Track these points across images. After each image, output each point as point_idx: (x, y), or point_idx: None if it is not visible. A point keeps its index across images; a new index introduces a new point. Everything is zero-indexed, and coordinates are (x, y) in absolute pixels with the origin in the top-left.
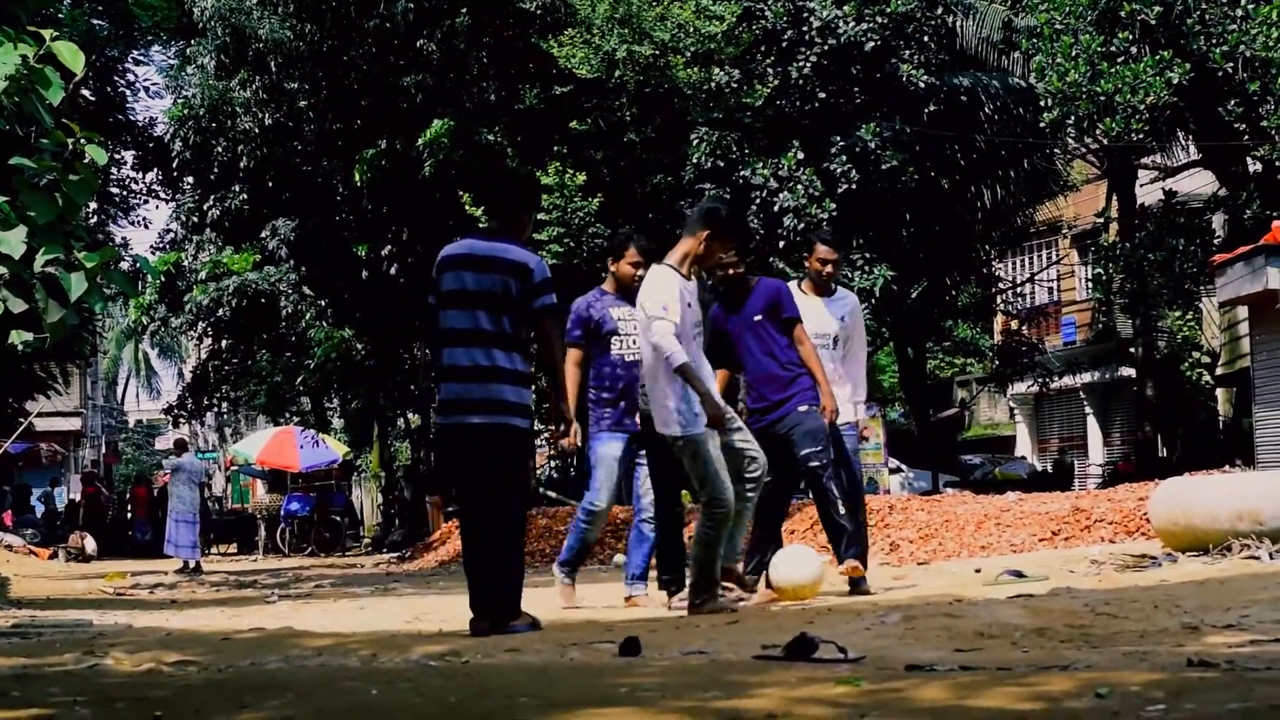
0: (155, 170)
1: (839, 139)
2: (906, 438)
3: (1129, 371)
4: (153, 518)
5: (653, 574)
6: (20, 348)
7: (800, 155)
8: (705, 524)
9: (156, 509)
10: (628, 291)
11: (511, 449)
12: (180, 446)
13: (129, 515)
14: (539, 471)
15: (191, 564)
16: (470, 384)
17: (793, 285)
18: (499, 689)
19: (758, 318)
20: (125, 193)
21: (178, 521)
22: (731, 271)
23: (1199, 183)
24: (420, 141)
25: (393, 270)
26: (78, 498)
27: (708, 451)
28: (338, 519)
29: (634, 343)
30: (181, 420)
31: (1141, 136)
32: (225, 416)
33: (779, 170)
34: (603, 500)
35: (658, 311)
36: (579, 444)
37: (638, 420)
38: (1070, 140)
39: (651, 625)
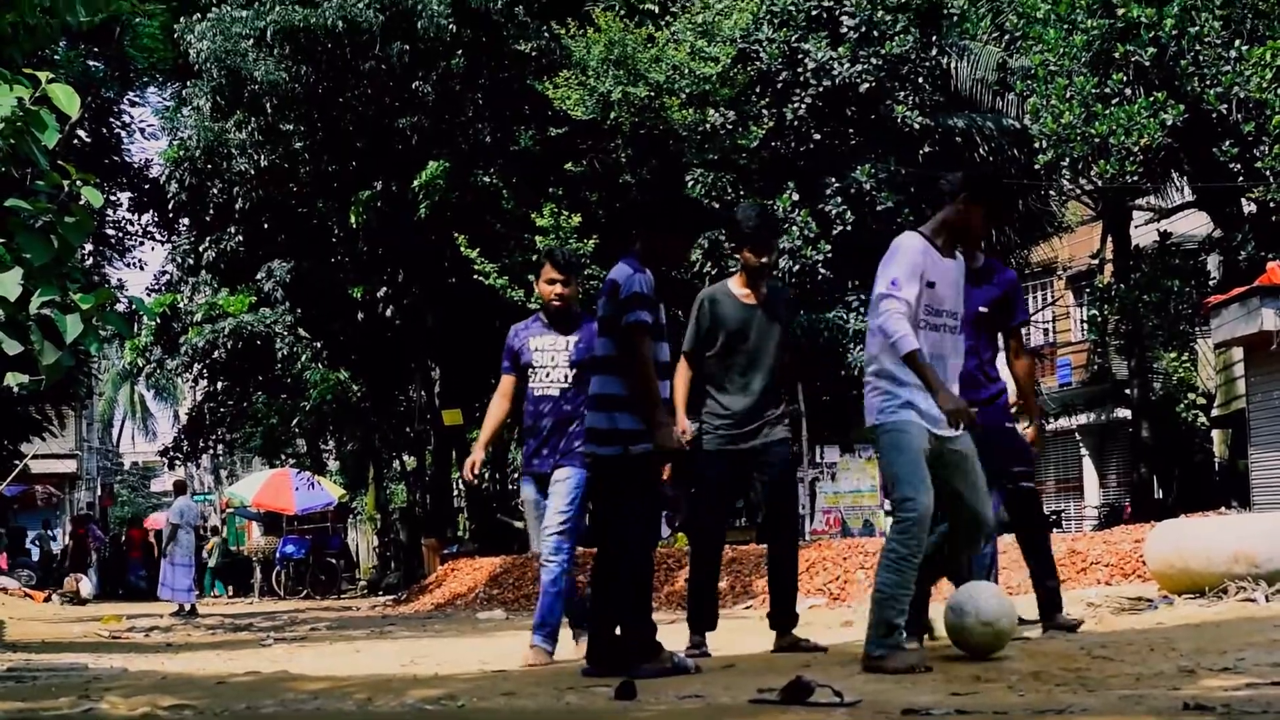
0: (151, 212)
1: (834, 180)
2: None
3: (1124, 413)
4: (148, 560)
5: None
6: (16, 390)
7: (795, 197)
8: (890, 539)
9: (152, 551)
10: (552, 314)
11: (604, 480)
12: (180, 488)
13: (122, 555)
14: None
15: (187, 607)
16: (589, 412)
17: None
18: None
19: (983, 309)
20: (121, 234)
21: (174, 565)
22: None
23: (1194, 224)
24: (416, 183)
25: (388, 312)
26: (72, 540)
27: (909, 444)
28: (333, 561)
29: (548, 376)
30: (177, 462)
31: (1136, 178)
32: (221, 459)
33: (774, 212)
34: (535, 546)
35: (884, 287)
36: (472, 477)
37: (558, 459)
38: (1065, 182)
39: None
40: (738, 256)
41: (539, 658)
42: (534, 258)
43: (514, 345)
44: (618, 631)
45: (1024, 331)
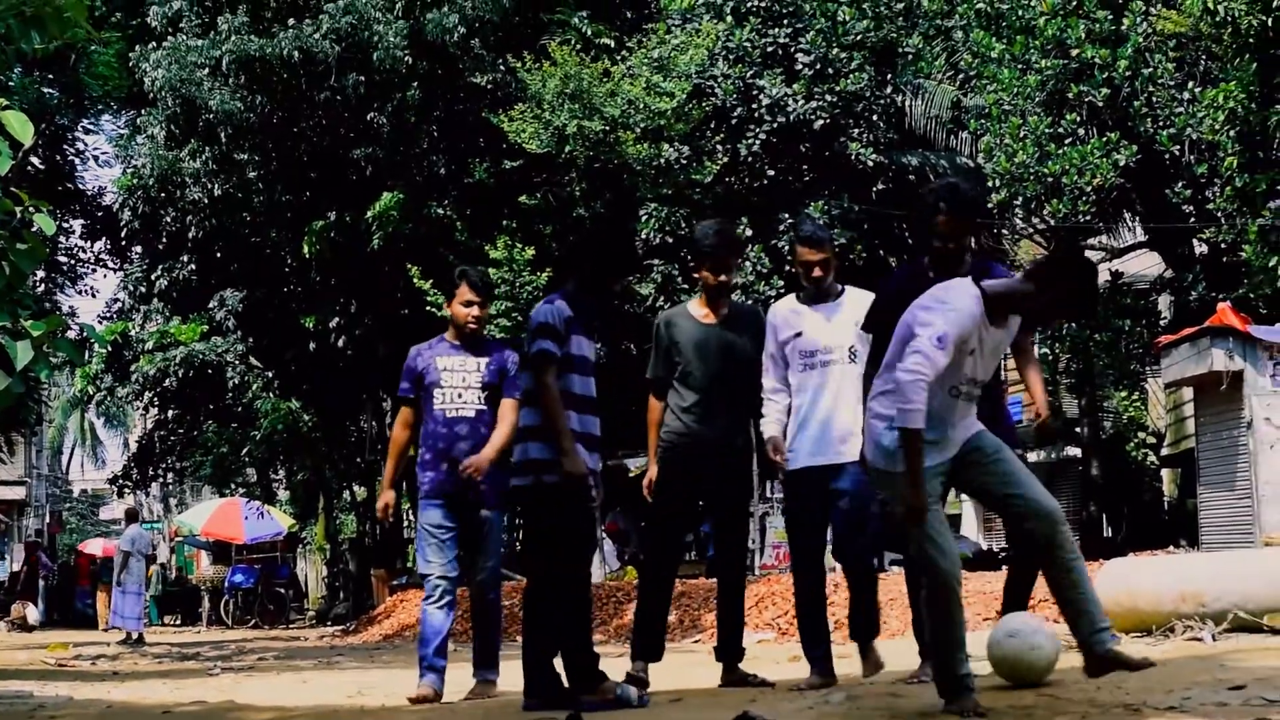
0: (104, 239)
1: (788, 216)
2: None
3: (1075, 451)
4: (95, 588)
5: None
6: None
7: (749, 232)
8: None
9: (100, 579)
10: (463, 336)
11: (537, 507)
12: (132, 516)
13: (71, 583)
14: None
15: (134, 635)
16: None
17: (790, 300)
18: None
19: None
20: (73, 261)
21: (125, 593)
22: (952, 246)
23: (1145, 264)
24: (369, 214)
25: (340, 342)
26: (20, 567)
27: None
28: (282, 591)
29: (459, 397)
30: (126, 490)
31: (1089, 218)
32: (170, 487)
33: (737, 231)
34: (435, 571)
35: (926, 341)
36: (389, 516)
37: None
38: (1018, 220)
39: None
40: (698, 277)
41: (485, 690)
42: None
43: (416, 366)
44: (557, 662)
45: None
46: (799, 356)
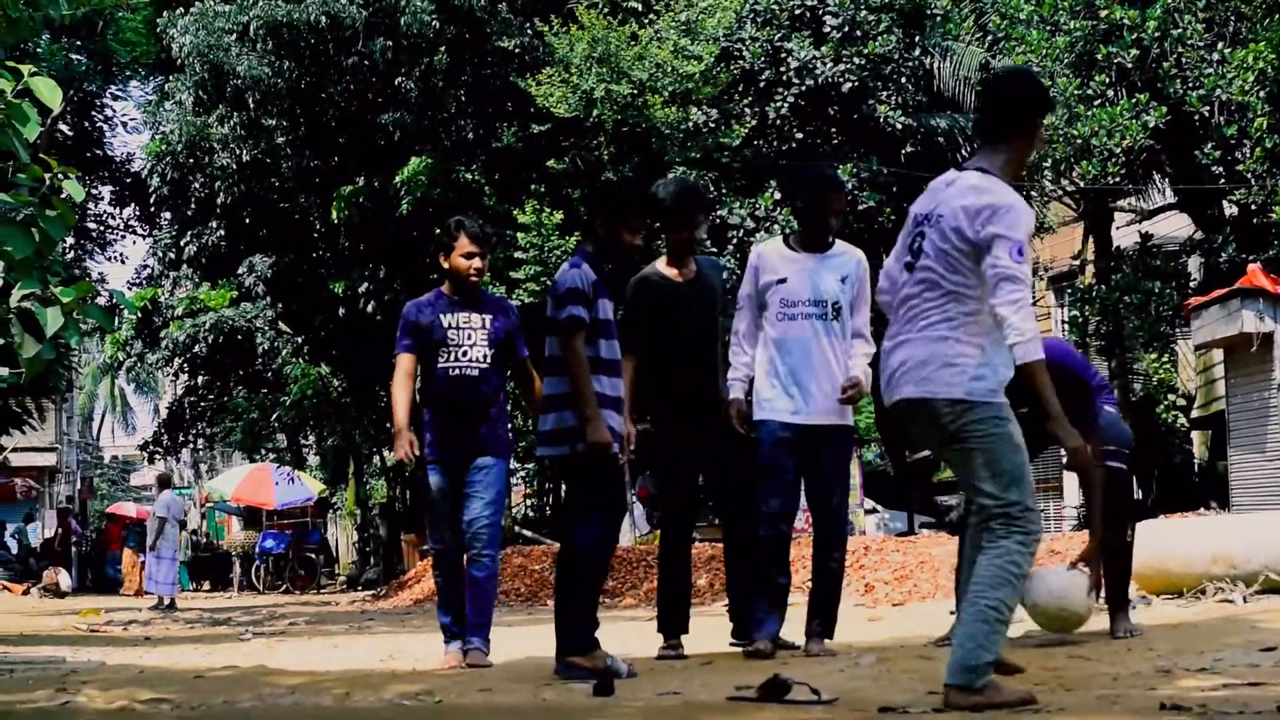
0: (132, 206)
1: None
2: (882, 478)
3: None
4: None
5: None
6: None
7: (777, 195)
8: (1012, 554)
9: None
10: (464, 290)
11: (573, 475)
12: (164, 482)
13: (103, 549)
14: (514, 510)
15: (166, 600)
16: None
17: (777, 241)
18: None
19: None
20: (102, 228)
21: (159, 558)
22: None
23: (1175, 226)
24: (398, 179)
25: (369, 308)
26: (52, 534)
27: (1017, 435)
28: (313, 556)
29: (465, 355)
30: (157, 456)
31: (1118, 179)
32: (201, 453)
33: (756, 210)
34: (434, 539)
35: (1015, 255)
36: (412, 457)
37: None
38: (1047, 183)
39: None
40: (664, 236)
41: (478, 659)
42: (514, 254)
43: (420, 320)
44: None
45: None
46: (779, 305)
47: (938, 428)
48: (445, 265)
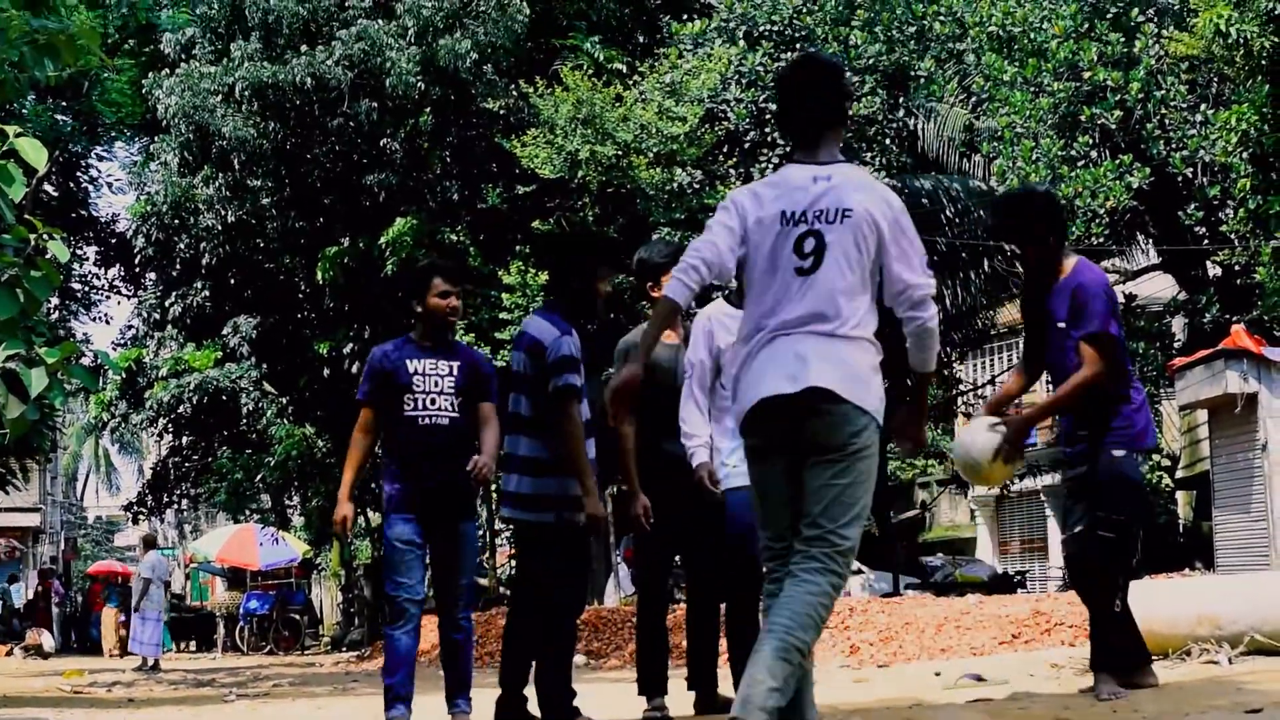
0: (117, 266)
1: None
2: (867, 539)
3: None
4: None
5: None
6: None
7: None
8: (822, 598)
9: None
10: (438, 333)
11: (525, 545)
12: (149, 543)
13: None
14: (499, 571)
15: (150, 662)
16: (505, 475)
17: (720, 303)
18: None
19: (1060, 324)
20: (87, 288)
21: (144, 619)
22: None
23: (1159, 287)
24: (383, 240)
25: (354, 368)
26: (32, 595)
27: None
28: (297, 617)
29: (433, 403)
30: (141, 517)
31: (1102, 240)
32: (185, 513)
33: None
34: (403, 595)
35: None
36: (350, 529)
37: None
38: None
39: None
40: (654, 296)
41: None
42: (499, 315)
43: (385, 366)
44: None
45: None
46: None
47: (825, 434)
48: (419, 310)
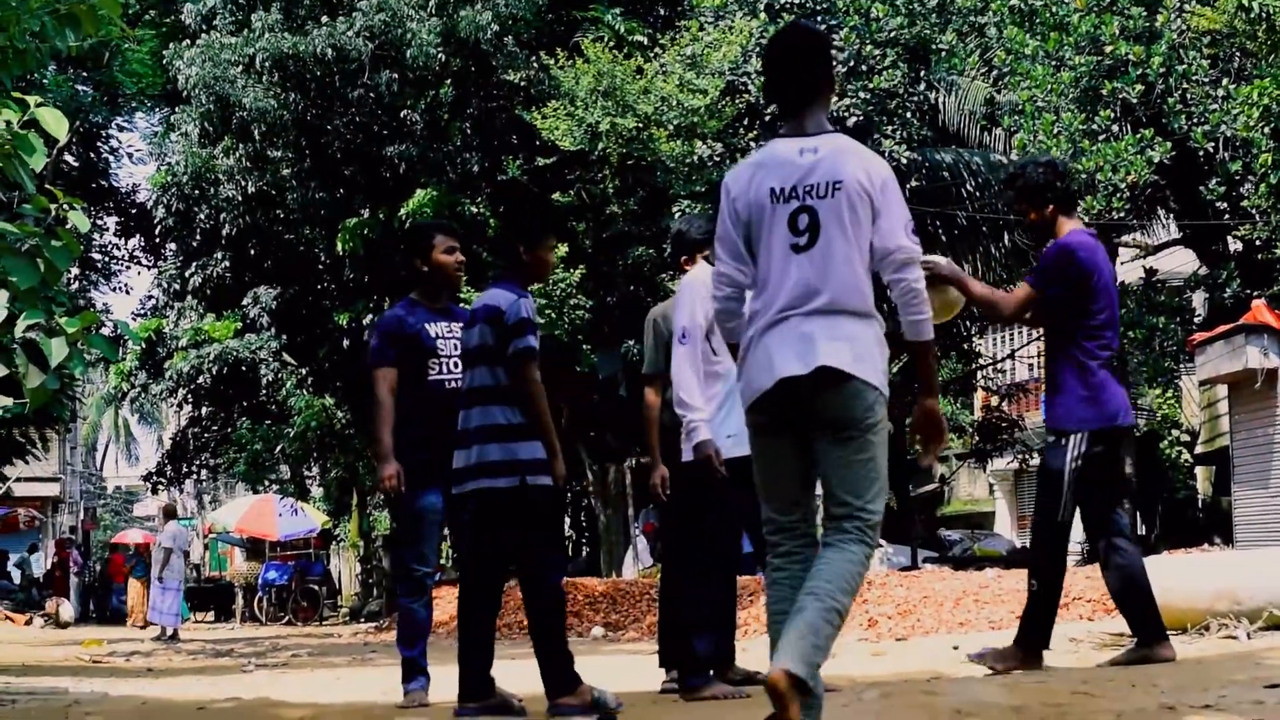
0: (137, 236)
1: None
2: (886, 513)
3: None
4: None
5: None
6: (0, 412)
7: None
8: (859, 565)
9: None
10: (445, 293)
11: (496, 513)
12: (170, 513)
13: (107, 579)
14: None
15: (169, 631)
16: (465, 448)
17: (705, 267)
18: None
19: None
20: (107, 259)
21: (164, 589)
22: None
23: (1179, 261)
24: (403, 211)
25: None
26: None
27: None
28: (315, 588)
29: (455, 366)
30: (160, 487)
31: (1122, 214)
32: (204, 484)
33: None
34: (429, 565)
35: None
36: (400, 486)
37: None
38: None
39: (630, 699)
40: (686, 269)
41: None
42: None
43: (408, 329)
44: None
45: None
46: None
47: (840, 409)
48: (425, 269)
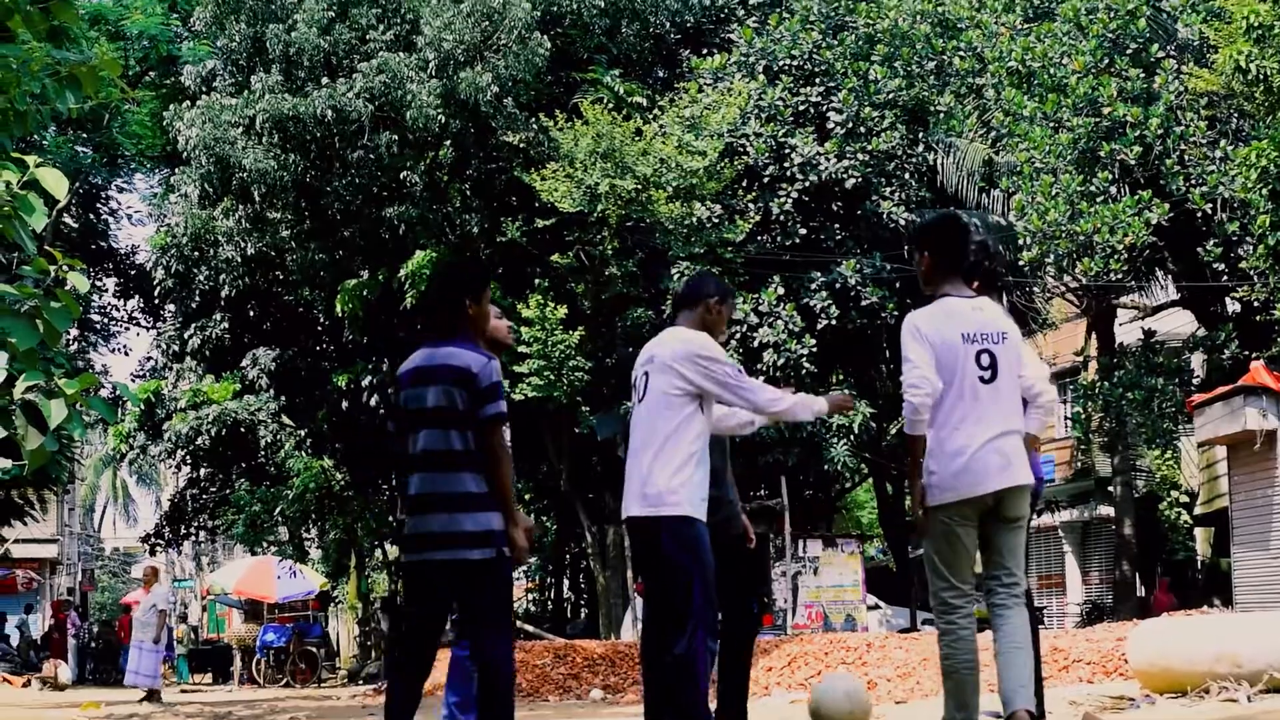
0: (137, 298)
1: (819, 275)
2: (885, 575)
3: (1107, 510)
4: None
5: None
6: None
7: (780, 290)
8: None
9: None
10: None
11: (466, 584)
12: (157, 574)
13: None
14: (517, 605)
15: (144, 693)
16: (429, 515)
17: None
18: None
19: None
20: (106, 320)
21: (141, 650)
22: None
23: (1178, 322)
24: (403, 272)
25: (373, 401)
26: (47, 627)
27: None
28: (314, 650)
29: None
30: (159, 549)
31: (1121, 276)
32: (202, 545)
33: (759, 305)
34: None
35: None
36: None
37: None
38: (1049, 279)
39: None
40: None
41: None
42: (518, 349)
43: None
44: None
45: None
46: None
47: (1020, 509)
48: (476, 321)
